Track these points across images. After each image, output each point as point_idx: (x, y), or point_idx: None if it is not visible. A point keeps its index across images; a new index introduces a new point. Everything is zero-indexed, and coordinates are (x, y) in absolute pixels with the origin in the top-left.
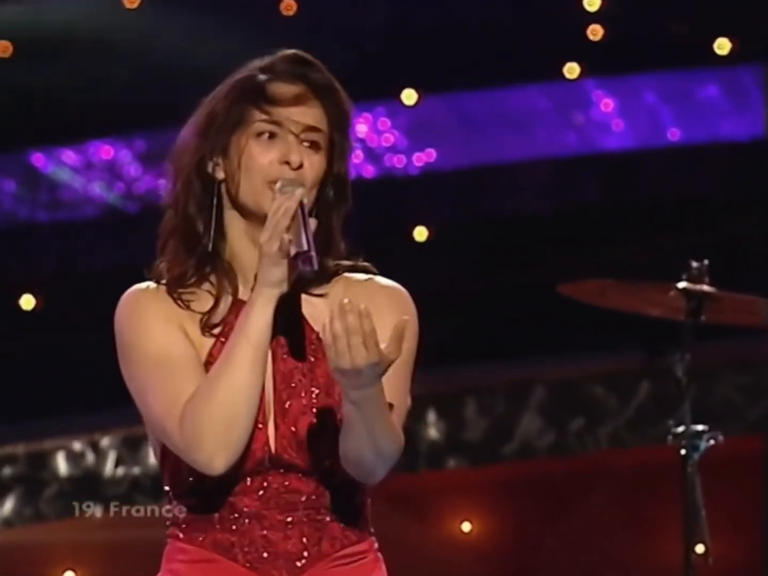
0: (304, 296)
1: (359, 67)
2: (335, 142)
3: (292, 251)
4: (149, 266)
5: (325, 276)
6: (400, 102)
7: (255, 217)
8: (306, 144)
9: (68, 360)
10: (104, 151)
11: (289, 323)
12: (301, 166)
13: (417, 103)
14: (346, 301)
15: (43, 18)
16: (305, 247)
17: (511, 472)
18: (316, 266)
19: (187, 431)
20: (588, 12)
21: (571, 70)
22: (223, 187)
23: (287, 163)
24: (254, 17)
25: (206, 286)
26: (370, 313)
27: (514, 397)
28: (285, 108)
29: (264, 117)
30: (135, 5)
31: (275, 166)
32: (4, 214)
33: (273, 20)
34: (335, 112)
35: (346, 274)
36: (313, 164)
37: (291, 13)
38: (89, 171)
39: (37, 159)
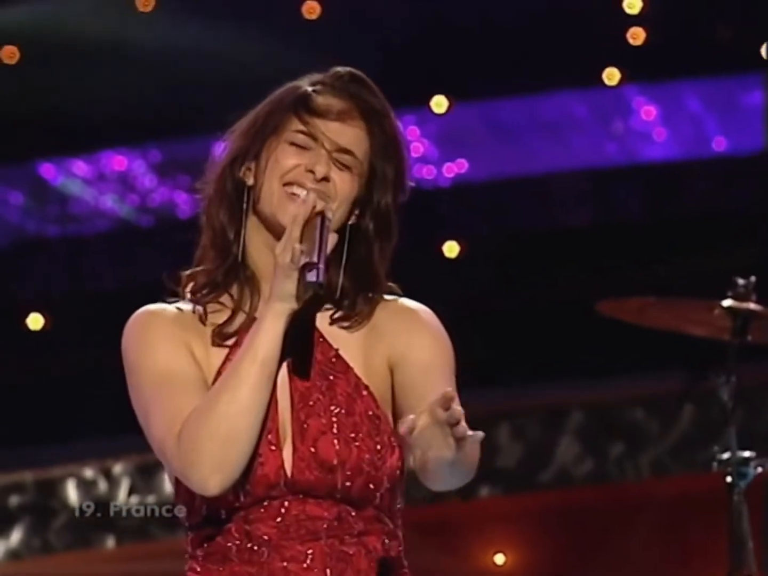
0: (323, 313)
1: (385, 72)
2: (377, 170)
3: (301, 262)
4: (172, 276)
5: (355, 305)
6: (430, 109)
7: (273, 228)
8: (337, 163)
9: (79, 382)
10: (117, 161)
11: (307, 340)
12: (326, 179)
13: (447, 110)
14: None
15: (51, 21)
16: (314, 258)
17: (547, 501)
18: (321, 278)
19: (183, 447)
20: (628, 14)
21: (611, 75)
22: (253, 195)
23: (312, 172)
24: (274, 21)
25: (226, 299)
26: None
27: (550, 421)
28: (323, 121)
29: (300, 127)
30: (149, 8)
31: (299, 171)
32: (11, 229)
33: (294, 24)
34: (381, 138)
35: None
36: (344, 181)
37: (314, 16)
38: (101, 183)
39: (46, 170)
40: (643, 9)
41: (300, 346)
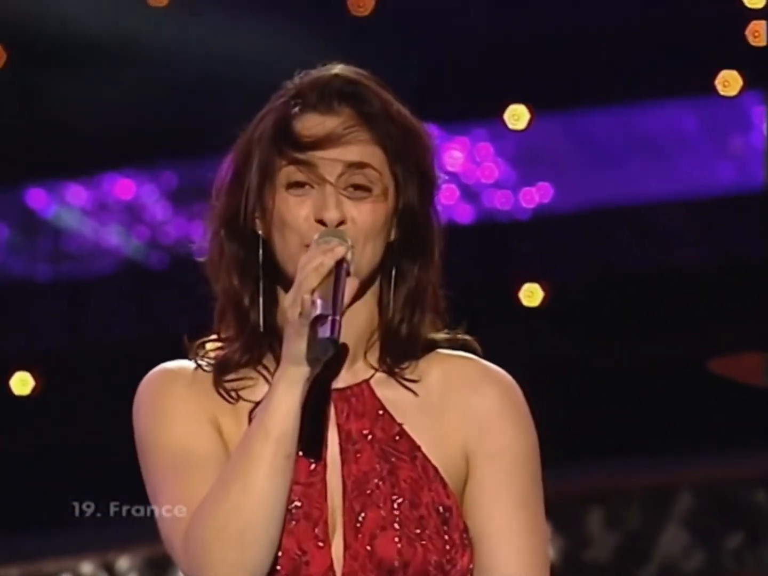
0: (380, 376)
1: (453, 78)
2: (398, 177)
3: (313, 315)
4: (192, 338)
5: (408, 352)
6: (505, 123)
7: None
8: (350, 190)
9: (75, 457)
10: (122, 186)
11: (363, 413)
12: (342, 223)
13: (528, 125)
14: None
15: (45, 17)
16: (328, 310)
17: None
18: (336, 334)
19: (191, 548)
20: (748, 9)
21: (727, 82)
22: (268, 247)
23: (322, 222)
24: (317, 17)
25: (260, 369)
26: None
27: (652, 505)
28: (315, 151)
29: (290, 164)
30: (164, 3)
31: (311, 224)
32: None
33: (341, 22)
34: (392, 143)
35: (440, 351)
36: (363, 215)
37: (364, 12)
38: (103, 213)
39: (36, 197)
40: None
41: (358, 419)
